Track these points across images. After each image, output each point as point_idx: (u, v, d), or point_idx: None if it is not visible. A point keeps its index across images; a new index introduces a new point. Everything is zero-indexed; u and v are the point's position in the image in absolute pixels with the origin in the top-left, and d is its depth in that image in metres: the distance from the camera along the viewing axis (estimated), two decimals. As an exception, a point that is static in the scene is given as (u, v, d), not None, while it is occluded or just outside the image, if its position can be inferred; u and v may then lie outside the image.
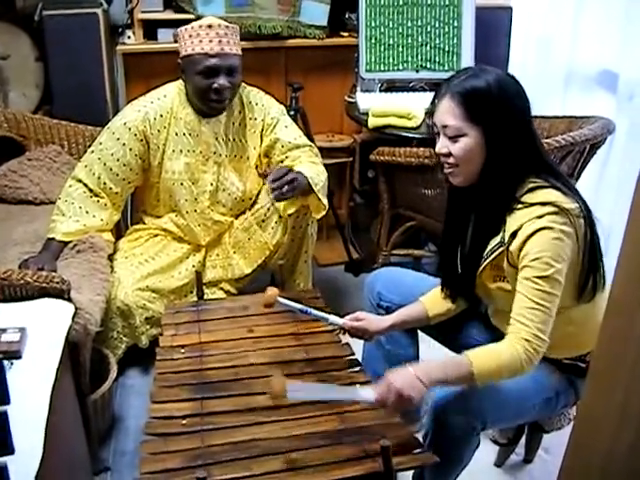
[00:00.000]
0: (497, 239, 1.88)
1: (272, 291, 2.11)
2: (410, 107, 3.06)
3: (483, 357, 1.76)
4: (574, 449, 1.33)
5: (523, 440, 2.40)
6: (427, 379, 1.71)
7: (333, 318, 2.16)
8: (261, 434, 1.78)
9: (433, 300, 2.15)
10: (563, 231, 1.76)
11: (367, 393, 1.76)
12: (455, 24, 3.40)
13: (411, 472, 2.07)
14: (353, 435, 1.79)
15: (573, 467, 1.34)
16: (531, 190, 1.83)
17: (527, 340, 1.74)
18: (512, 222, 1.83)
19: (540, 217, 1.77)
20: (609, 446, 1.20)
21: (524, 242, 1.78)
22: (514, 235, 1.81)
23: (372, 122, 3.14)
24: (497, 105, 1.81)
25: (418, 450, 1.75)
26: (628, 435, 1.15)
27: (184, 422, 1.83)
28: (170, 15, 3.57)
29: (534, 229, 1.76)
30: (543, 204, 1.78)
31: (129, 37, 3.56)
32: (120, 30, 3.59)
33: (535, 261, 1.76)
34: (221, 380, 2.02)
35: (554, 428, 2.23)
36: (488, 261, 1.91)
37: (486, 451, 2.38)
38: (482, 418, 1.84)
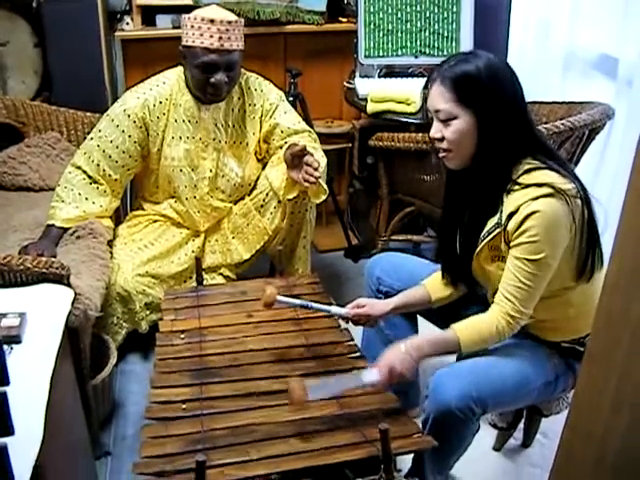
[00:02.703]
0: (494, 220, 1.90)
1: (271, 290, 2.09)
2: (409, 92, 3.05)
3: (470, 333, 1.90)
4: (570, 432, 1.34)
5: (522, 424, 2.41)
6: (418, 357, 1.89)
7: (335, 309, 2.17)
8: (260, 419, 1.79)
9: (435, 284, 2.17)
10: (558, 214, 1.79)
11: (370, 377, 1.86)
12: (454, 9, 3.39)
13: (411, 457, 2.08)
14: (351, 420, 1.80)
15: (569, 449, 1.35)
16: (528, 171, 1.85)
17: (511, 316, 1.86)
18: (509, 203, 1.85)
19: (536, 199, 1.79)
20: (604, 429, 1.20)
21: (520, 223, 1.81)
22: (511, 216, 1.83)
23: (371, 107, 3.14)
24: (487, 89, 1.83)
25: (417, 434, 1.76)
26: (623, 418, 1.15)
27: (184, 407, 1.84)
28: (168, 1, 3.56)
29: (530, 211, 1.79)
30: (539, 185, 1.80)
31: (127, 23, 3.55)
32: (118, 16, 3.58)
33: (527, 243, 1.80)
34: (221, 365, 2.03)
35: (552, 412, 2.24)
36: (485, 242, 1.93)
37: (485, 435, 2.39)
38: (482, 403, 1.85)
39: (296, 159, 2.66)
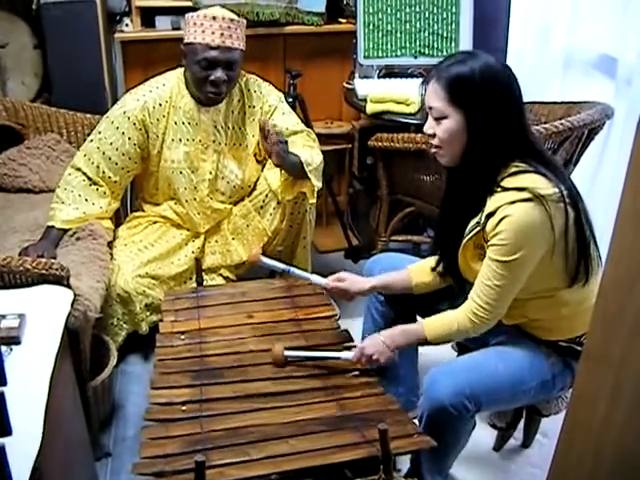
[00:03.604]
0: (476, 219, 1.93)
1: (256, 250, 2.29)
2: (408, 93, 3.05)
3: (435, 328, 2.00)
4: (569, 429, 1.34)
5: (521, 424, 2.41)
6: (392, 345, 2.02)
7: (315, 278, 2.25)
8: (259, 420, 1.80)
9: (418, 269, 2.21)
10: (533, 219, 1.80)
11: (347, 355, 2.06)
12: (453, 10, 3.39)
13: (409, 456, 2.08)
14: (351, 421, 1.81)
15: (567, 449, 1.35)
16: (513, 174, 1.88)
17: (475, 314, 1.92)
18: (490, 204, 1.88)
19: (512, 203, 1.81)
20: (602, 426, 1.21)
21: (496, 225, 1.83)
22: (489, 217, 1.86)
23: (370, 108, 3.14)
24: (479, 91, 1.85)
25: (416, 434, 1.76)
26: (620, 415, 1.16)
27: (184, 408, 1.85)
28: (168, 2, 3.55)
29: (504, 215, 1.82)
30: (519, 189, 1.82)
31: (127, 25, 3.55)
32: (118, 18, 3.57)
33: (500, 246, 1.84)
34: (220, 367, 2.04)
35: (552, 412, 2.24)
36: (467, 239, 1.96)
37: (484, 435, 2.39)
38: (476, 400, 1.86)
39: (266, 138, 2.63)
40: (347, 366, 2.06)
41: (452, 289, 2.16)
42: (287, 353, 2.04)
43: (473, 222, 1.94)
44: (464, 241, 1.97)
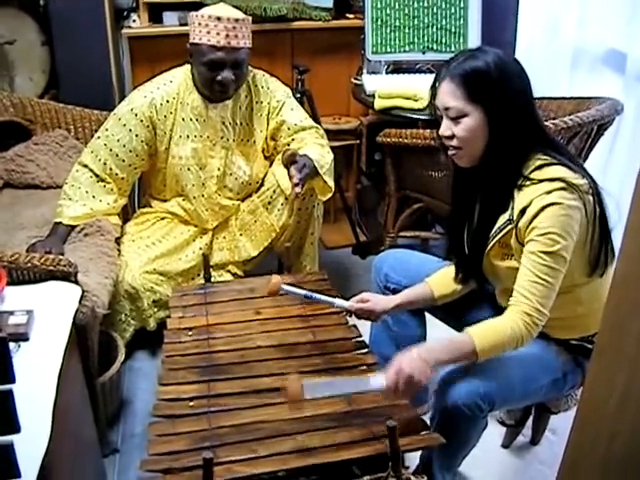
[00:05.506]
0: (505, 216, 1.88)
1: (276, 279, 2.11)
2: (416, 88, 3.04)
3: (485, 334, 1.79)
4: (579, 427, 1.33)
5: (530, 421, 2.40)
6: (433, 362, 1.75)
7: (338, 301, 2.16)
8: (267, 416, 1.79)
9: (439, 281, 2.16)
10: (572, 207, 1.76)
11: (378, 382, 1.74)
12: (461, 4, 3.38)
13: (419, 454, 2.07)
14: (360, 417, 1.79)
15: (578, 445, 1.34)
16: (539, 167, 1.83)
17: (528, 314, 1.77)
18: (521, 199, 1.83)
19: (549, 192, 1.77)
20: (613, 423, 1.20)
21: (533, 218, 1.78)
22: (523, 212, 1.81)
23: (378, 104, 3.13)
24: (497, 84, 1.81)
25: (425, 431, 1.76)
26: (631, 412, 1.15)
27: (191, 404, 1.84)
28: (175, -2, 3.56)
29: (543, 204, 1.76)
30: (552, 180, 1.78)
31: (134, 20, 3.56)
32: (125, 13, 3.58)
33: (542, 236, 1.77)
34: (228, 362, 2.02)
35: (561, 410, 2.23)
36: (496, 239, 1.91)
37: (493, 432, 2.38)
38: (489, 400, 1.84)
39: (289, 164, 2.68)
40: (355, 361, 2.04)
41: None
42: (307, 394, 1.68)
43: (502, 220, 1.89)
44: (493, 241, 1.92)
